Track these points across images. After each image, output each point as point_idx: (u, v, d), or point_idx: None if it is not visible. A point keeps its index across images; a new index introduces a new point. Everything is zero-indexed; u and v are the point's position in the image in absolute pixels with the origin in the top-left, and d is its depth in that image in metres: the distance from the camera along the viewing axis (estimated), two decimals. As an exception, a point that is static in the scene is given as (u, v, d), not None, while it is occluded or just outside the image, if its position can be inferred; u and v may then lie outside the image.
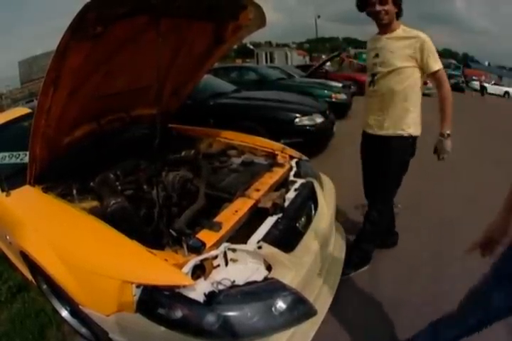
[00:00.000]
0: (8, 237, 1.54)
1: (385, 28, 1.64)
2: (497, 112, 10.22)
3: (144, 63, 1.59)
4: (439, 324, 1.21)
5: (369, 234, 1.86)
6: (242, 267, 1.23)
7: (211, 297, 1.02)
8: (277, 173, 1.76)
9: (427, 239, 2.26)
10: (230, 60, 25.67)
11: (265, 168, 1.82)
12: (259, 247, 1.23)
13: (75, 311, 1.41)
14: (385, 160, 1.73)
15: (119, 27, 1.22)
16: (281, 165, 1.86)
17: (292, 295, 1.08)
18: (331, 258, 1.69)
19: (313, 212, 1.70)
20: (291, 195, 1.65)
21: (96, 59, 1.32)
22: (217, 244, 1.20)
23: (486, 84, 18.65)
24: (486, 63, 38.17)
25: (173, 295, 1.01)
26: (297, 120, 3.79)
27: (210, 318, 0.97)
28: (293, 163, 1.96)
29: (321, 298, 1.47)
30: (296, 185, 1.75)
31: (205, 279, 1.12)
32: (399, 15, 1.61)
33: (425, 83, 1.76)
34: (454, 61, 26.22)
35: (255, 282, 1.12)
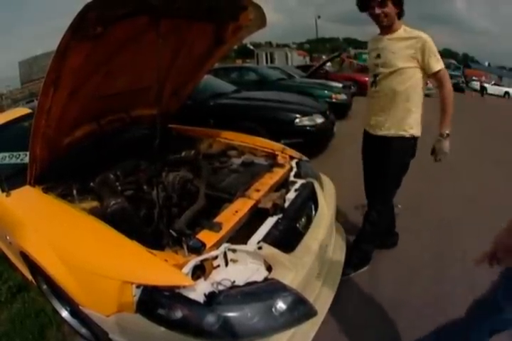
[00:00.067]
0: (8, 237, 1.54)
1: (386, 28, 1.63)
2: (497, 113, 10.23)
3: (144, 64, 1.59)
4: (443, 332, 1.18)
5: (368, 235, 1.86)
6: (242, 267, 1.23)
7: (211, 297, 1.02)
8: (277, 174, 1.76)
9: (427, 240, 2.26)
10: (230, 60, 25.71)
11: (265, 168, 1.81)
12: (260, 248, 1.23)
13: (75, 311, 1.41)
14: (386, 160, 1.73)
15: (119, 27, 1.22)
16: (281, 166, 1.86)
17: (292, 295, 1.07)
18: (331, 258, 1.69)
19: (313, 212, 1.70)
20: (291, 195, 1.65)
21: (96, 59, 1.32)
22: (217, 245, 1.19)
23: (486, 85, 18.68)
24: (486, 63, 38.18)
25: (173, 295, 1.01)
26: (297, 120, 3.79)
27: (210, 319, 0.96)
28: (293, 163, 1.95)
29: (321, 299, 1.47)
30: (297, 186, 1.75)
31: (205, 279, 1.12)
32: (400, 15, 1.60)
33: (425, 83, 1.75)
34: (454, 61, 26.26)
35: (255, 282, 1.12)
